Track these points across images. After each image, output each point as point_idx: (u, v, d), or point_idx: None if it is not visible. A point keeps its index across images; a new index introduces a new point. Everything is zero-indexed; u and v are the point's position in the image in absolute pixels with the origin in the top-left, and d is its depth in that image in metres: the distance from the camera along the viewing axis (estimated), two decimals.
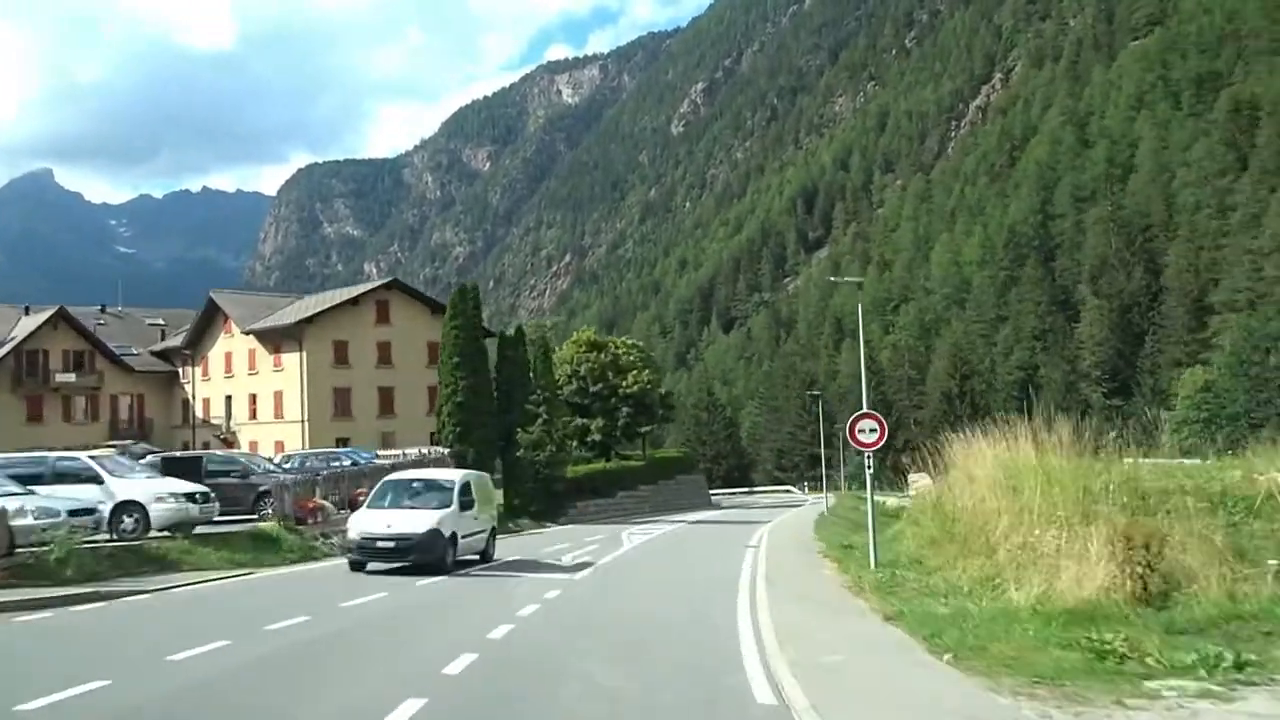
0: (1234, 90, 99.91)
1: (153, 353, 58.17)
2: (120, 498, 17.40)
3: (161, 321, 62.84)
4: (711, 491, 67.61)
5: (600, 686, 8.01)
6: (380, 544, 16.43)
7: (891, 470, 35.90)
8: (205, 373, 55.35)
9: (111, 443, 36.52)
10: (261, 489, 22.93)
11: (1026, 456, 13.95)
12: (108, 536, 16.76)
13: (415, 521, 16.59)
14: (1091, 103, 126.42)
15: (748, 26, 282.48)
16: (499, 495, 38.86)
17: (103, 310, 62.37)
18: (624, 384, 52.42)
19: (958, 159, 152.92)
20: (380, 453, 36.49)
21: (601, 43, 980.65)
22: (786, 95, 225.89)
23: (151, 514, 17.50)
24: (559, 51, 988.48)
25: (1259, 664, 7.65)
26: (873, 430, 16.70)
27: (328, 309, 50.97)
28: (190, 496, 18.20)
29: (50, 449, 22.26)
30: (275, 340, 50.34)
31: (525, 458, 39.51)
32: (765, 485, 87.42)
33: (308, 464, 30.91)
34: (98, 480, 17.52)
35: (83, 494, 16.71)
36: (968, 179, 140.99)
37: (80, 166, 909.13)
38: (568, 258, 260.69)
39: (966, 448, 16.48)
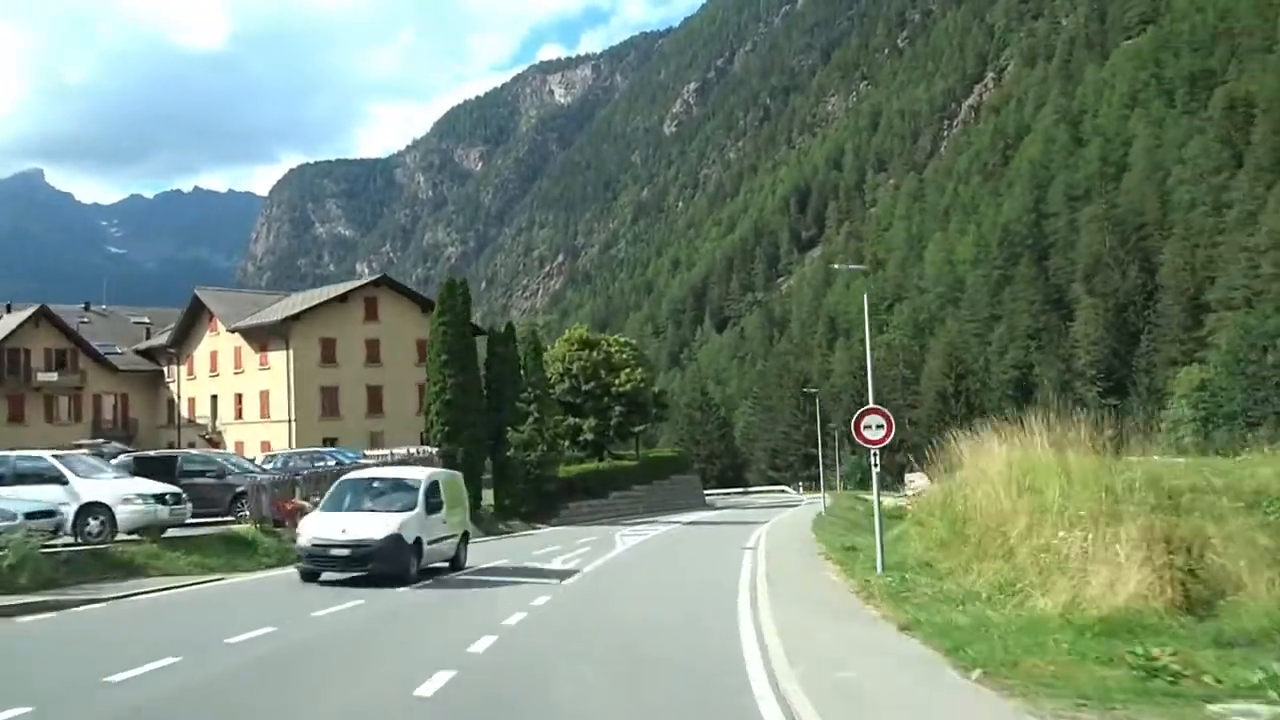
0: (1229, 88, 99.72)
1: (137, 351, 57.06)
2: (85, 499, 16.34)
3: (146, 320, 61.54)
4: (706, 492, 66.83)
5: (594, 713, 7.19)
6: (334, 551, 14.68)
7: (885, 470, 35.24)
8: (191, 372, 54.28)
9: (82, 441, 35.40)
10: (239, 490, 21.92)
11: (1043, 454, 13.26)
12: (71, 540, 15.79)
13: (374, 526, 14.88)
14: (1084, 101, 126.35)
15: (740, 26, 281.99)
16: (488, 495, 38.26)
17: (86, 308, 61.12)
18: (617, 382, 51.59)
19: (951, 158, 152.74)
20: (368, 452, 35.49)
21: (594, 42, 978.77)
22: (779, 95, 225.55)
23: (118, 516, 16.44)
24: (551, 51, 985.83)
25: None
26: (880, 426, 15.89)
27: (315, 306, 49.99)
28: (160, 498, 17.13)
29: (31, 450, 21.24)
30: (262, 338, 49.34)
31: (516, 457, 38.66)
32: (759, 485, 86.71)
33: (291, 464, 29.93)
34: (62, 481, 16.43)
35: (45, 495, 15.68)
36: (961, 178, 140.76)
37: (71, 166, 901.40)
38: (560, 258, 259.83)
39: (976, 446, 15.83)
